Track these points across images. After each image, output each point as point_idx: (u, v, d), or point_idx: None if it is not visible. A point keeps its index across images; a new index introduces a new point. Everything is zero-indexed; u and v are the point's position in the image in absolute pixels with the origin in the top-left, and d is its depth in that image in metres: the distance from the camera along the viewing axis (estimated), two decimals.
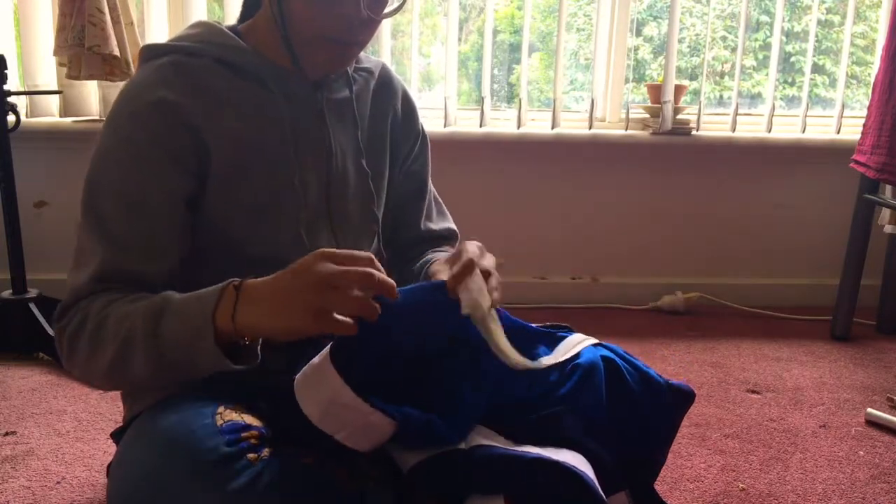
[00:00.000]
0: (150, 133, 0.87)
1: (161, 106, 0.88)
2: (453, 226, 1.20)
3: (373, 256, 0.76)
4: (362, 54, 1.08)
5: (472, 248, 0.89)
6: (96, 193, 0.88)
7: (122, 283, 0.87)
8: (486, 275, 0.86)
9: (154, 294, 0.87)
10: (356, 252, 0.76)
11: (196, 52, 0.93)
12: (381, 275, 0.75)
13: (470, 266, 0.84)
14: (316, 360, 0.79)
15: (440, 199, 1.21)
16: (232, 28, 0.99)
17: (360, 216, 1.04)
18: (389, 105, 1.09)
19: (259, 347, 0.82)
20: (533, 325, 1.02)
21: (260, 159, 0.93)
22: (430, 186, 1.18)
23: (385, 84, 1.09)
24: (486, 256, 0.91)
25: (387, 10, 0.93)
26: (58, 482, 1.28)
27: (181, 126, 0.88)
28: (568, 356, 0.94)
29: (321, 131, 0.99)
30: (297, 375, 0.80)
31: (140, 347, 0.80)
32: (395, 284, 0.77)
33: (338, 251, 0.75)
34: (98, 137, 0.90)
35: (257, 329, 0.77)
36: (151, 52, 0.94)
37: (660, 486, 1.29)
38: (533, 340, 0.97)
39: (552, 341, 0.99)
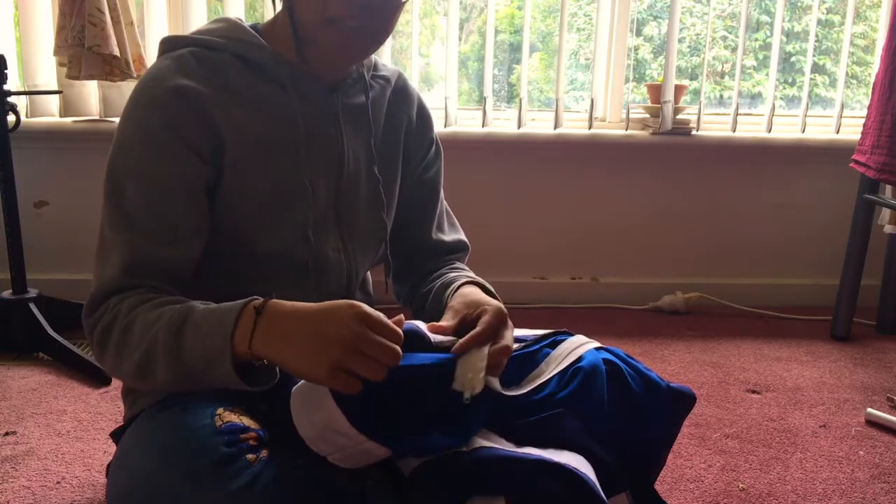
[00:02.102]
0: (168, 118, 0.87)
1: (180, 92, 0.88)
2: (465, 238, 1.18)
3: (401, 333, 0.75)
4: (379, 61, 1.07)
5: (511, 335, 0.88)
6: (117, 181, 0.88)
7: (148, 274, 0.86)
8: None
9: (181, 291, 0.87)
10: (389, 323, 0.75)
11: (216, 46, 0.93)
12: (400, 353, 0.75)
13: (506, 352, 0.85)
14: None
15: (451, 212, 1.20)
16: (253, 26, 0.99)
17: (369, 222, 1.04)
18: (404, 113, 1.09)
19: (277, 369, 0.81)
20: (531, 333, 1.02)
21: (271, 158, 0.93)
22: (443, 197, 1.17)
23: (401, 92, 1.09)
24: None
25: None
26: (58, 482, 1.28)
27: (199, 113, 0.89)
28: (569, 362, 0.94)
29: (335, 135, 0.99)
30: (294, 389, 0.79)
31: (162, 359, 0.80)
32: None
33: (372, 315, 0.74)
34: (117, 126, 0.91)
35: (272, 360, 0.77)
36: (171, 44, 0.94)
37: (660, 486, 1.29)
38: (532, 357, 0.97)
39: (552, 345, 0.99)
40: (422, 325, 0.85)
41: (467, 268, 1.12)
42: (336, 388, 0.74)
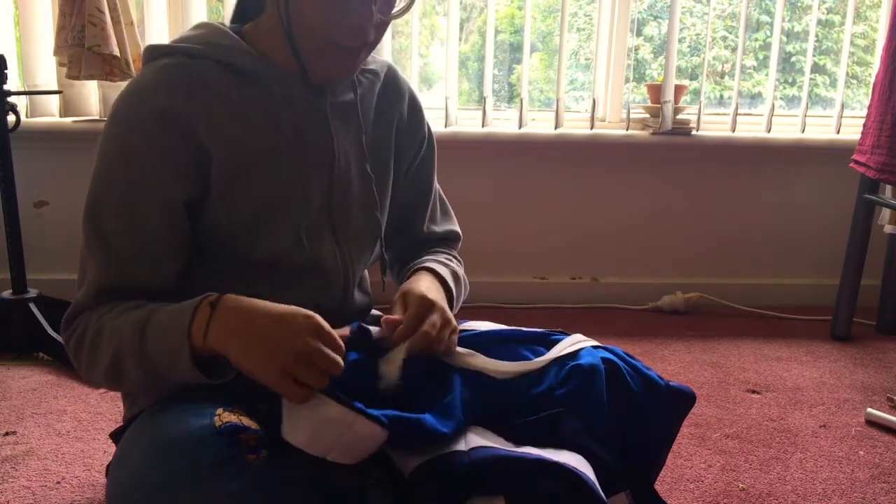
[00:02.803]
0: (150, 143, 0.87)
1: (161, 114, 0.87)
2: (456, 227, 1.19)
3: (342, 346, 0.79)
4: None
5: (436, 318, 0.91)
6: (97, 205, 0.89)
7: (122, 295, 0.89)
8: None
9: (149, 301, 0.88)
10: (337, 337, 0.79)
11: (199, 54, 0.92)
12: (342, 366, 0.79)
13: (426, 337, 0.89)
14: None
15: (445, 200, 1.20)
16: (235, 29, 0.97)
17: (362, 221, 1.03)
18: (395, 108, 1.07)
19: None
20: (527, 330, 1.02)
21: (261, 163, 0.93)
22: (436, 188, 1.17)
23: (391, 86, 1.07)
24: (446, 327, 0.92)
25: (395, 10, 0.92)
26: (58, 482, 1.28)
27: (182, 134, 0.88)
28: (567, 352, 0.94)
29: (324, 135, 0.98)
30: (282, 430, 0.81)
31: (129, 361, 0.83)
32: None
33: (325, 328, 0.78)
34: (99, 144, 0.90)
35: (226, 354, 0.80)
36: (154, 53, 0.94)
37: (660, 486, 1.29)
38: (523, 344, 0.98)
39: (548, 344, 0.99)
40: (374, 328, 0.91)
41: (448, 252, 1.14)
42: (283, 394, 0.77)
